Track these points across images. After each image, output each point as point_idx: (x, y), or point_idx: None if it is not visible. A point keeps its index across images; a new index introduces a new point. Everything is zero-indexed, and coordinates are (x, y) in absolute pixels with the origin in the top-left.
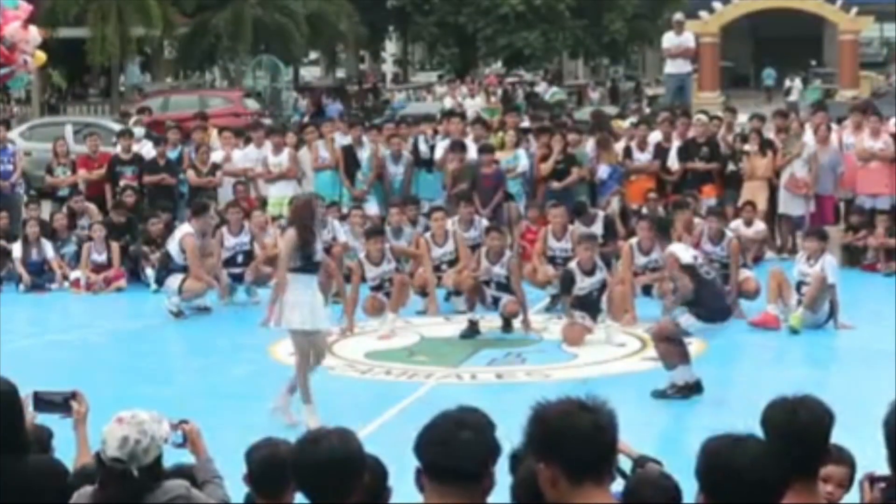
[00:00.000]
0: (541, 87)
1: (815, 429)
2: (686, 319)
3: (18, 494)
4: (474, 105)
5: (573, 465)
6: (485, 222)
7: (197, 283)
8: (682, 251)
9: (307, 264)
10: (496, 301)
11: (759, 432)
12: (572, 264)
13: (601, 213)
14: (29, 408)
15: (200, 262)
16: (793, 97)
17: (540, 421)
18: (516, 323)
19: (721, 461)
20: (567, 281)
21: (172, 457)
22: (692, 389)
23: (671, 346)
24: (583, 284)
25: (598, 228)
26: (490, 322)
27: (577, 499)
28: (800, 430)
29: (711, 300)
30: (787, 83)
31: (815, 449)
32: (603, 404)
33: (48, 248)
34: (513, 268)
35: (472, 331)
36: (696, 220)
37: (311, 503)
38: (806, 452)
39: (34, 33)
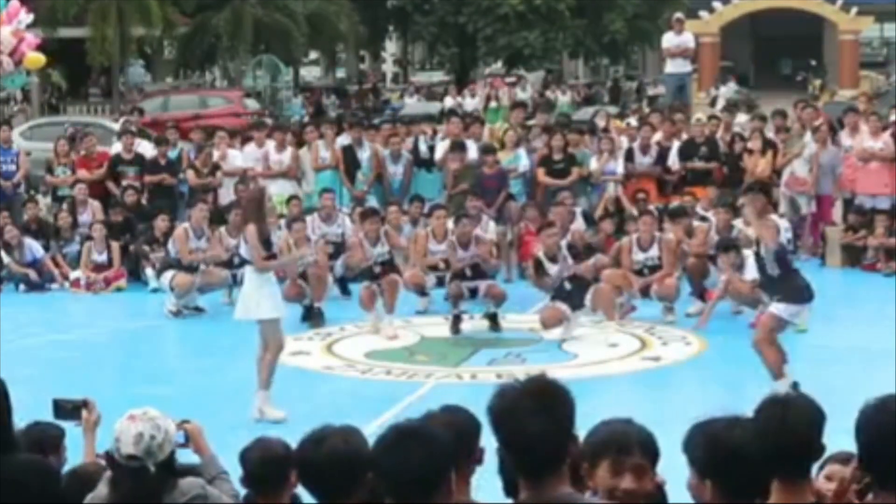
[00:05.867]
0: (553, 94)
1: (804, 428)
2: (780, 309)
3: (2, 493)
4: (474, 105)
5: (513, 459)
6: (492, 223)
7: (187, 277)
8: (783, 227)
9: (269, 256)
10: (473, 292)
11: None
12: (540, 252)
13: (578, 210)
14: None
15: (188, 248)
16: (719, 106)
17: (491, 408)
18: (504, 322)
19: (719, 442)
20: (538, 266)
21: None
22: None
23: (779, 353)
24: (551, 272)
25: (578, 224)
26: (477, 321)
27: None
28: (789, 430)
29: (795, 281)
30: (713, 91)
31: (805, 448)
32: (560, 402)
33: (36, 249)
34: (483, 243)
35: (456, 325)
36: (696, 223)
37: (315, 501)
38: (795, 452)
39: (6, 35)
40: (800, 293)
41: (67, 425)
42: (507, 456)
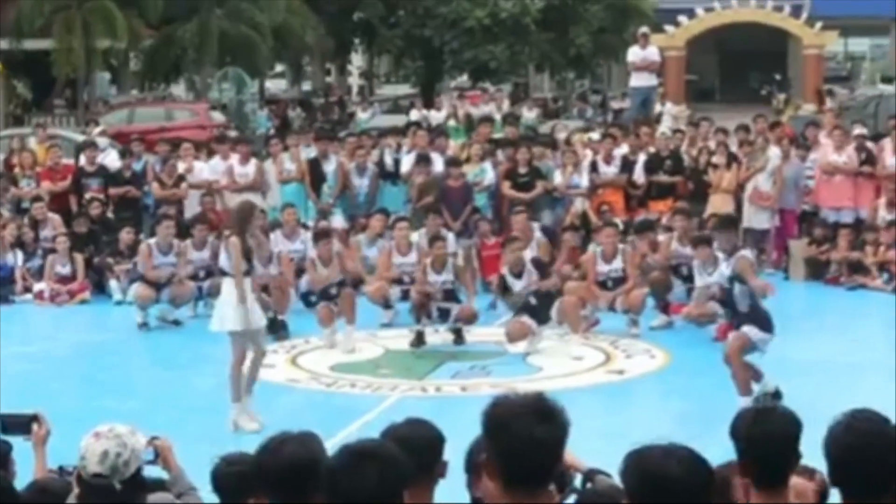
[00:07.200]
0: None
1: (782, 438)
2: (754, 333)
3: None
4: (439, 118)
5: (506, 467)
6: (451, 236)
7: (147, 290)
8: (752, 255)
9: (248, 268)
10: (443, 314)
11: (722, 443)
12: (504, 269)
13: (536, 225)
14: None
15: (151, 265)
16: (666, 124)
17: (488, 414)
18: (469, 336)
19: (654, 472)
20: (501, 284)
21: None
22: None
23: (748, 371)
24: (515, 289)
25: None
26: (441, 335)
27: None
28: (767, 440)
29: (762, 312)
30: (659, 107)
31: (783, 458)
32: (559, 414)
33: (19, 257)
34: (459, 269)
35: (419, 341)
36: (662, 237)
37: None
38: (773, 461)
39: None
40: (768, 322)
41: (16, 439)
42: (499, 464)
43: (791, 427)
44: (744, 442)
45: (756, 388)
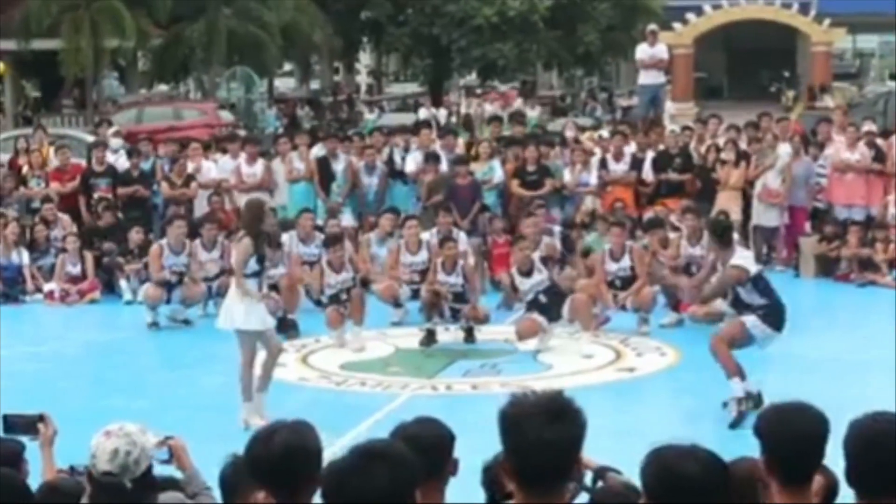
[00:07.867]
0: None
1: (809, 437)
2: (754, 323)
3: None
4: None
5: (519, 467)
6: (463, 235)
7: (157, 290)
8: (750, 262)
9: (260, 268)
10: (455, 313)
11: (732, 440)
12: (513, 268)
13: (557, 229)
14: None
15: (159, 266)
16: (667, 123)
17: (503, 413)
18: (479, 334)
19: (673, 471)
20: (509, 283)
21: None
22: (758, 400)
23: (732, 357)
24: (523, 287)
25: (555, 241)
26: (452, 333)
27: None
28: (795, 438)
29: (777, 308)
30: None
31: (809, 457)
32: (573, 414)
33: (24, 256)
34: (469, 271)
35: (430, 339)
36: (672, 235)
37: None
38: (801, 459)
39: None
40: (779, 320)
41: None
42: (513, 463)
43: (818, 426)
44: (769, 440)
45: (736, 382)
